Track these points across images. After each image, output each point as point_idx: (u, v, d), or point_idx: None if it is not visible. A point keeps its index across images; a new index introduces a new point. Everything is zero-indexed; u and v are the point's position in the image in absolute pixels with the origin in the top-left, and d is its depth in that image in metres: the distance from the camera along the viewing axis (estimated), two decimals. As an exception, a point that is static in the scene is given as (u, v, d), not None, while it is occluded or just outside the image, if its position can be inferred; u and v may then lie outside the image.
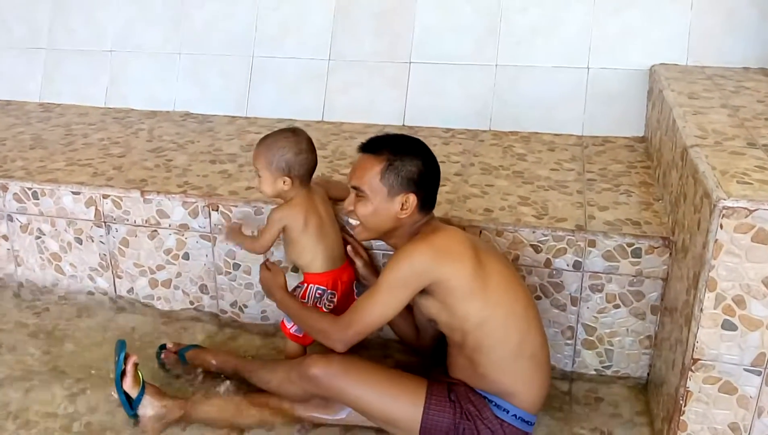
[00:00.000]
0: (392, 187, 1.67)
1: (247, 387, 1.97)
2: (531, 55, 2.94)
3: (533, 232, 2.02)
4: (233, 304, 2.34)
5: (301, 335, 1.98)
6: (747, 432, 1.64)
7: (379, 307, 1.65)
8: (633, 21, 2.85)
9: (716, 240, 1.50)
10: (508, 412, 1.68)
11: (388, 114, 3.03)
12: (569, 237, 1.99)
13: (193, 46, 3.25)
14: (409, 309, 1.89)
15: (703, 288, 1.54)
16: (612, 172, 2.46)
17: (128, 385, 1.82)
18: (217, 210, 2.22)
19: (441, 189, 2.25)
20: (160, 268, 2.35)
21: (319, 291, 1.93)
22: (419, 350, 2.03)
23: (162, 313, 2.39)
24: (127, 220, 2.30)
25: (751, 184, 1.55)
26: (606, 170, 2.47)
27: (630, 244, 1.95)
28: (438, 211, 2.07)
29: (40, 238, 2.40)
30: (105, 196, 2.29)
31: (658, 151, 2.37)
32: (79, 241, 2.37)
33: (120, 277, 2.40)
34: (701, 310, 1.56)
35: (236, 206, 2.20)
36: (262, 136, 1.92)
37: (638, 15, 2.85)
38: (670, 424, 1.71)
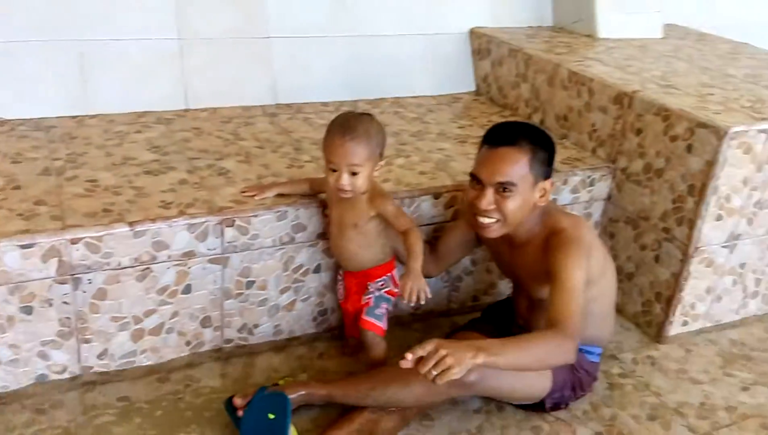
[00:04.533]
0: (536, 176, 1.61)
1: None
2: (376, 25, 2.94)
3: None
4: (241, 328, 1.92)
5: (384, 328, 1.78)
6: (715, 291, 2.17)
7: (581, 306, 1.58)
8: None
9: (725, 157, 1.91)
10: (594, 353, 1.86)
11: (259, 93, 2.69)
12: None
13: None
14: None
15: (712, 194, 1.96)
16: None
17: None
18: (232, 225, 1.76)
19: (414, 158, 2.24)
20: (149, 313, 1.76)
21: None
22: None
23: (149, 371, 1.81)
24: (108, 265, 1.64)
25: (719, 113, 2.00)
26: (492, 123, 2.64)
27: (589, 176, 2.27)
28: (427, 179, 2.07)
29: (-42, 324, 1.53)
30: (74, 241, 1.58)
31: (532, 100, 2.69)
32: (28, 311, 1.60)
33: (88, 342, 1.71)
34: (707, 210, 1.98)
35: (256, 216, 1.78)
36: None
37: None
38: (671, 301, 2.13)
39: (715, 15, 3.73)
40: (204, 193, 1.84)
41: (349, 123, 1.61)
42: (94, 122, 2.31)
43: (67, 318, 1.65)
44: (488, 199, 1.60)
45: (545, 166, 1.64)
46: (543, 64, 2.64)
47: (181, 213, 1.71)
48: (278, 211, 1.80)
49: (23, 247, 1.54)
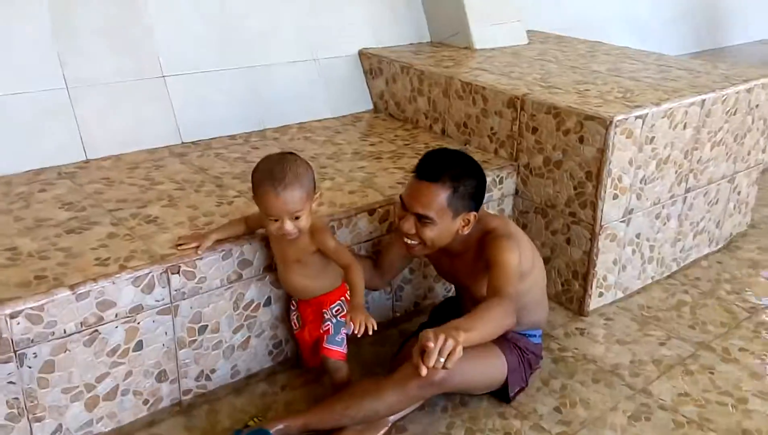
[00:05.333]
0: (457, 210, 1.73)
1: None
2: (267, 54, 2.97)
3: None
4: (199, 376, 1.87)
5: (345, 352, 1.81)
6: (620, 262, 2.42)
7: (514, 281, 1.70)
8: (331, 18, 3.18)
9: (613, 143, 2.15)
10: (536, 336, 2.01)
11: (162, 134, 2.62)
12: (466, 183, 2.35)
13: None
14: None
15: (607, 177, 2.20)
16: (404, 137, 2.83)
17: None
18: (178, 272, 1.71)
19: (339, 179, 2.30)
20: (101, 378, 1.66)
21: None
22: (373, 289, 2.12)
23: (108, 437, 1.71)
24: (53, 334, 1.53)
25: (601, 106, 2.25)
26: (399, 137, 2.82)
27: (498, 175, 2.45)
28: (358, 197, 2.13)
29: None
30: (14, 316, 1.46)
31: (431, 112, 2.85)
32: (-30, 401, 1.45)
33: (40, 420, 1.59)
34: (605, 191, 2.22)
35: (201, 259, 1.74)
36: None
37: (333, 14, 3.19)
38: (587, 277, 2.35)
39: (564, 18, 4.16)
40: (139, 244, 1.77)
41: (275, 173, 1.60)
42: (-14, 187, 2.14)
43: (15, 398, 1.52)
44: (409, 224, 1.73)
45: (468, 200, 1.75)
46: (436, 77, 2.80)
47: (122, 267, 1.64)
48: (222, 251, 1.78)
49: (-42, 331, 1.41)
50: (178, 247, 1.74)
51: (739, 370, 2.08)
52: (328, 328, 1.78)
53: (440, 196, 1.69)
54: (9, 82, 2.30)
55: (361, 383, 1.76)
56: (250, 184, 2.19)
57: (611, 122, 2.14)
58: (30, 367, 1.53)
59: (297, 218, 1.62)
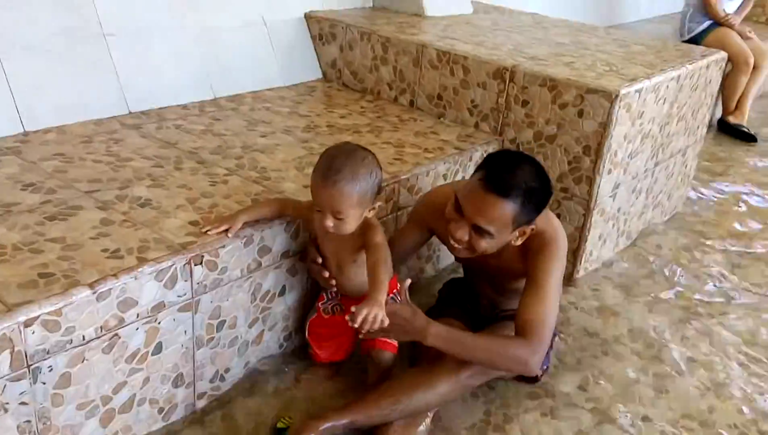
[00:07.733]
0: (519, 224, 1.65)
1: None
2: (214, 14, 2.77)
3: (444, 163, 2.29)
4: (214, 377, 1.73)
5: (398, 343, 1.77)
6: (603, 237, 2.56)
7: (554, 311, 1.68)
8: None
9: (616, 117, 2.25)
10: None
11: (107, 103, 2.36)
12: (451, 161, 2.34)
13: None
14: None
15: (607, 152, 2.30)
16: (371, 109, 2.77)
17: None
18: (201, 262, 1.55)
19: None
20: (118, 388, 1.48)
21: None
22: None
23: (120, 456, 1.53)
24: (71, 343, 1.33)
25: (599, 79, 2.34)
26: (366, 109, 2.74)
27: (485, 150, 2.47)
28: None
29: None
30: (28, 323, 1.25)
31: (396, 82, 2.80)
32: (-22, 430, 1.23)
33: (51, 444, 1.38)
34: (603, 166, 2.32)
35: (224, 247, 1.60)
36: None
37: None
38: (577, 252, 2.46)
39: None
40: (146, 232, 1.59)
41: (335, 163, 1.53)
42: None
43: (27, 422, 1.31)
44: (463, 231, 1.65)
45: (532, 214, 1.66)
46: (404, 45, 2.75)
47: (142, 260, 1.46)
48: (245, 237, 1.64)
49: (-32, 346, 1.18)
50: (207, 232, 1.58)
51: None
52: None
53: (507, 212, 1.60)
54: None
55: (409, 374, 1.72)
56: (236, 161, 2.08)
57: (617, 96, 2.23)
58: (44, 383, 1.32)
59: (340, 219, 1.54)
